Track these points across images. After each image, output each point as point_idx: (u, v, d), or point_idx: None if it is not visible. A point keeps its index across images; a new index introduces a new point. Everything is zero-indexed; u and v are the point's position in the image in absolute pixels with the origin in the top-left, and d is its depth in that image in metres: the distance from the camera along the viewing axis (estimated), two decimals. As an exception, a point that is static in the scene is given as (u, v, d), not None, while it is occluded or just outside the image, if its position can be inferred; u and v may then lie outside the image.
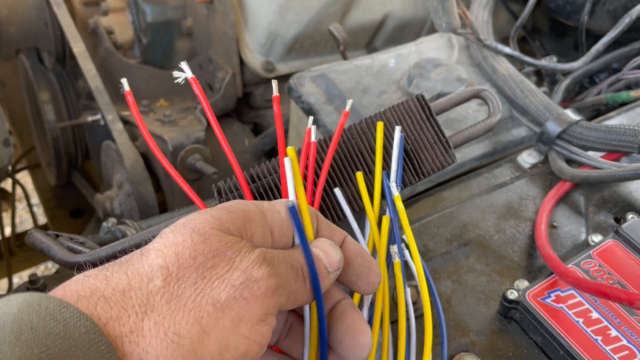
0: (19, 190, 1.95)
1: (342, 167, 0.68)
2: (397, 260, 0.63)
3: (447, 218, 0.81)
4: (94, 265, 0.62)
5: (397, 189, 0.66)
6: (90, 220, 1.76)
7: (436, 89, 0.91)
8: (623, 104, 1.04)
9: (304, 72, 0.98)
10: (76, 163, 1.72)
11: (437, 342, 0.68)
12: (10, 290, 1.73)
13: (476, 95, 0.76)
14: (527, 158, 0.89)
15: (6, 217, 1.93)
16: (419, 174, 0.70)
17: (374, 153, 0.69)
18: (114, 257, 0.62)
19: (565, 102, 1.12)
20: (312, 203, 0.64)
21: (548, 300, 0.69)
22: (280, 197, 0.65)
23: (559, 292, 0.69)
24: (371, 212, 0.67)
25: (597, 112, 1.13)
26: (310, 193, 0.64)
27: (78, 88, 1.55)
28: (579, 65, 1.01)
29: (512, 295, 0.70)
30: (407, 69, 0.97)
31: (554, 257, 0.72)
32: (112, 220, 0.87)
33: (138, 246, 0.63)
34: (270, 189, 0.66)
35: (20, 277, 2.25)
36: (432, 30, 1.40)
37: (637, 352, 0.64)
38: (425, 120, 0.71)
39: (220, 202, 0.65)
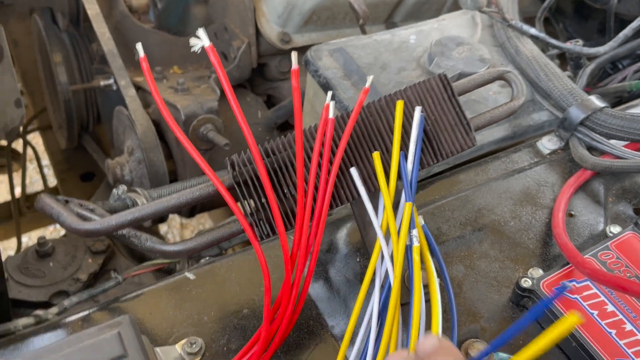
0: (29, 152, 1.94)
1: (358, 145, 0.66)
2: (416, 245, 0.62)
3: (462, 202, 0.80)
4: (103, 233, 0.61)
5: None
6: (100, 185, 1.75)
7: (458, 69, 0.89)
8: (648, 92, 1.01)
9: (322, 45, 0.95)
10: (87, 127, 1.71)
11: (447, 327, 0.67)
12: (19, 250, 1.74)
13: (500, 77, 0.74)
14: (547, 144, 0.87)
15: (16, 178, 1.93)
16: (438, 155, 0.68)
17: (392, 132, 0.67)
18: (123, 226, 0.61)
19: (588, 88, 1.09)
20: (327, 182, 0.62)
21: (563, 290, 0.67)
22: (295, 175, 0.64)
23: (574, 283, 0.68)
24: (386, 193, 0.65)
25: (619, 99, 1.10)
26: (325, 171, 0.62)
27: (91, 51, 1.53)
28: (606, 50, 0.98)
29: (526, 283, 0.69)
30: (428, 46, 0.94)
31: (571, 246, 0.70)
32: (123, 187, 0.86)
33: (148, 217, 0.62)
34: (285, 165, 0.64)
35: (30, 237, 2.27)
36: (453, 7, 1.36)
37: (651, 348, 0.63)
38: (447, 101, 0.69)
39: (233, 175, 0.64)
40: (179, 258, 0.67)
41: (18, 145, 2.02)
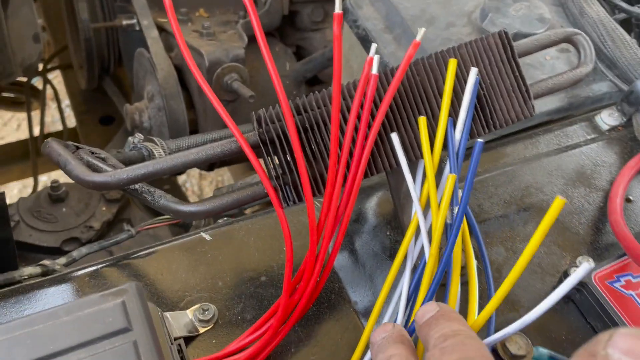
0: (49, 90, 1.89)
1: (401, 108, 0.59)
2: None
3: (508, 177, 0.72)
4: (113, 187, 0.55)
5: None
6: (119, 131, 1.70)
7: (514, 28, 0.80)
8: None
9: (364, -8, 0.86)
10: (108, 68, 1.64)
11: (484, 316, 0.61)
12: (35, 190, 1.71)
13: (567, 40, 0.65)
14: (607, 119, 0.78)
15: (36, 117, 1.88)
16: (490, 125, 0.60)
17: (440, 95, 0.59)
18: (135, 180, 0.55)
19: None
20: (363, 147, 0.55)
21: (617, 284, 0.60)
22: (328, 135, 0.57)
23: (630, 277, 0.61)
24: (430, 163, 0.58)
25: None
26: (363, 135, 0.55)
27: (115, -13, 1.45)
28: (681, 17, 0.87)
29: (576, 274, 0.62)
30: (482, 0, 0.84)
31: (629, 236, 0.63)
32: (139, 135, 0.80)
33: (163, 173, 0.56)
34: (317, 124, 0.57)
35: (49, 176, 2.24)
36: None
37: None
38: (506, 63, 0.61)
39: (259, 132, 0.57)
40: (194, 219, 0.62)
41: (39, 82, 1.96)
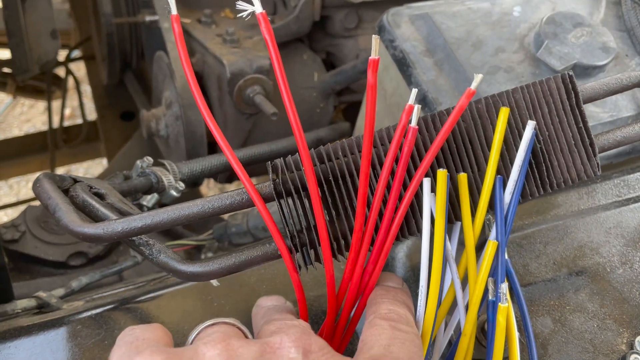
0: (71, 80, 1.84)
1: (442, 160, 0.50)
2: (506, 305, 0.47)
3: (559, 233, 0.63)
4: (106, 240, 0.48)
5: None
6: (139, 127, 1.65)
7: (573, 58, 0.70)
8: None
9: (403, 8, 0.77)
10: (130, 63, 1.58)
11: (525, 403, 0.53)
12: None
13: (641, 84, 0.55)
14: (677, 167, 0.69)
15: (57, 105, 1.83)
16: (546, 184, 0.51)
17: (488, 148, 0.51)
18: (130, 234, 0.48)
19: None
20: (394, 211, 0.47)
21: (686, 380, 0.51)
22: (355, 191, 0.49)
23: (702, 372, 0.52)
24: (470, 229, 0.50)
25: None
26: (396, 197, 0.47)
27: (140, -19, 1.38)
28: None
29: (636, 358, 0.53)
30: (537, 23, 0.75)
31: (702, 320, 0.53)
32: (148, 159, 0.73)
33: (161, 227, 0.49)
34: (342, 176, 0.49)
35: (68, 169, 2.22)
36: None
37: None
38: (568, 112, 0.52)
39: (274, 182, 0.49)
40: (197, 281, 0.55)
41: (62, 71, 1.92)
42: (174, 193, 0.74)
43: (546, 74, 0.71)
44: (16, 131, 2.71)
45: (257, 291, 0.63)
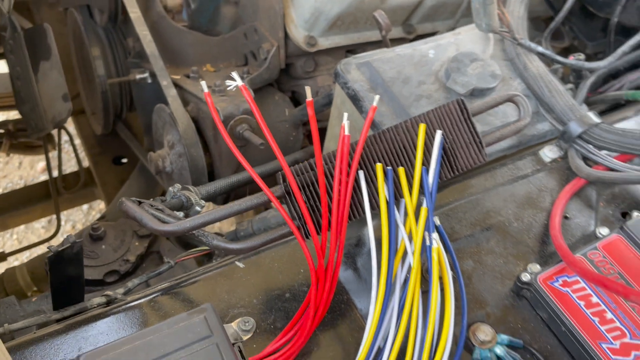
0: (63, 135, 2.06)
1: (388, 162, 0.79)
2: (436, 246, 0.75)
3: (473, 204, 0.93)
4: (179, 234, 0.74)
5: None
6: (131, 170, 1.89)
7: (471, 84, 1.00)
8: (643, 102, 1.12)
9: (351, 59, 1.07)
10: (121, 115, 1.83)
11: (458, 312, 0.80)
12: (59, 227, 1.88)
13: (509, 100, 0.86)
14: (549, 153, 0.99)
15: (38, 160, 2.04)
16: (454, 169, 0.81)
17: (416, 149, 0.79)
18: (195, 228, 0.74)
19: (589, 93, 1.21)
20: (345, 196, 0.74)
21: (556, 284, 0.81)
22: (318, 192, 0.75)
23: (565, 278, 0.81)
24: (409, 202, 0.78)
25: (617, 105, 1.21)
26: (345, 187, 0.74)
27: (126, 46, 1.64)
28: (605, 64, 1.09)
29: (525, 277, 0.82)
30: (446, 60, 1.05)
31: (564, 247, 0.83)
32: (177, 185, 0.99)
33: (215, 221, 0.75)
34: (312, 182, 0.76)
35: (65, 216, 2.41)
36: (467, 11, 1.46)
37: (627, 333, 0.76)
38: (463, 122, 0.81)
39: (284, 186, 0.76)
40: (240, 254, 0.80)
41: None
42: (198, 208, 1.00)
43: (455, 97, 1.02)
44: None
45: (271, 268, 0.89)
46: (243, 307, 0.84)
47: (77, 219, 2.68)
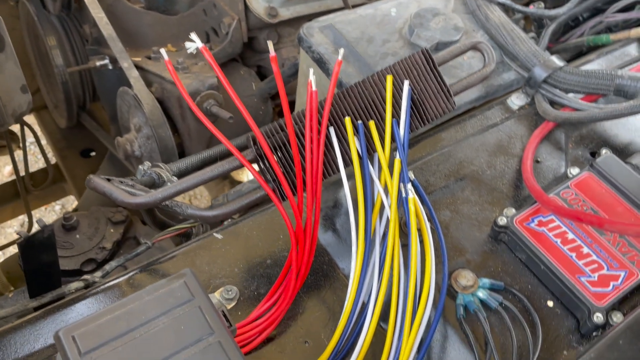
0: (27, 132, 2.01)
1: (358, 117, 0.78)
2: (412, 197, 0.75)
3: (445, 156, 0.93)
4: (151, 205, 0.73)
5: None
6: (101, 160, 1.85)
7: (435, 38, 1.00)
8: (603, 46, 1.14)
9: (313, 22, 1.06)
10: (84, 105, 1.79)
11: (439, 262, 0.81)
12: (31, 225, 1.84)
13: (473, 47, 0.86)
14: (516, 100, 1.00)
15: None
16: (424, 120, 0.80)
17: (385, 103, 0.79)
18: (167, 198, 0.73)
19: (551, 43, 1.22)
20: (317, 153, 0.73)
21: (532, 224, 0.82)
22: (290, 152, 0.74)
23: (541, 218, 0.82)
24: (382, 155, 0.78)
25: (580, 52, 1.23)
26: (316, 144, 0.74)
27: (83, 33, 1.60)
28: (564, 11, 1.10)
29: (502, 221, 0.83)
30: (408, 18, 1.05)
31: (537, 188, 0.84)
32: (147, 163, 0.97)
33: (187, 189, 0.74)
34: (284, 143, 0.75)
35: (36, 214, 2.36)
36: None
37: (604, 265, 0.78)
38: (430, 72, 0.81)
39: (255, 149, 0.75)
40: (216, 221, 0.79)
41: (15, 127, 2.08)
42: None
43: (420, 52, 1.01)
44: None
45: (250, 236, 0.88)
46: (225, 277, 0.83)
47: (50, 220, 2.63)
